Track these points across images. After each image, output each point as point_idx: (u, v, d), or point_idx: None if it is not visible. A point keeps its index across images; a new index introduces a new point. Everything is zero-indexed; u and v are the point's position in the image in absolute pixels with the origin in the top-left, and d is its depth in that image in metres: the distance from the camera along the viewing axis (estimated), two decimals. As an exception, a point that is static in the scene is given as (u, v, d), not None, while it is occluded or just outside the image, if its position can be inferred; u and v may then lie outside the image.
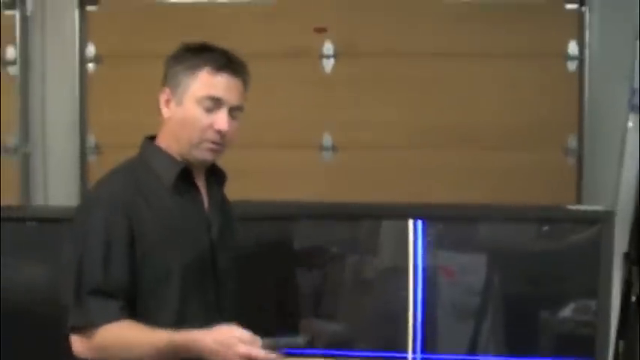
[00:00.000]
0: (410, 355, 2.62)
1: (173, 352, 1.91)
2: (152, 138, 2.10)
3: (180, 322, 1.95)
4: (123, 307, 1.93)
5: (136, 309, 1.97)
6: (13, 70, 3.52)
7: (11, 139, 3.52)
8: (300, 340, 1.94)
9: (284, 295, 2.78)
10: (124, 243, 1.94)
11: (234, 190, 2.90)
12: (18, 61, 3.51)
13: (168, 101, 2.03)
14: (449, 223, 2.74)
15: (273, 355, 1.87)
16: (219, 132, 1.99)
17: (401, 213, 2.68)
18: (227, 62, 2.01)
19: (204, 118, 1.98)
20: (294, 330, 2.41)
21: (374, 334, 2.72)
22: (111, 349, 1.92)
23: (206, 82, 1.99)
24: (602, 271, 2.54)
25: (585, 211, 2.83)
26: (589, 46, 3.37)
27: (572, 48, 3.39)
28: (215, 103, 1.99)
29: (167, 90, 2.03)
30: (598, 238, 2.60)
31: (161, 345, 1.89)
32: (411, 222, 2.64)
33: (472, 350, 2.69)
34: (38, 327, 2.69)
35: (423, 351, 2.62)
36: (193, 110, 1.98)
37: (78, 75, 3.50)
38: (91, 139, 3.50)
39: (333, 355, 2.72)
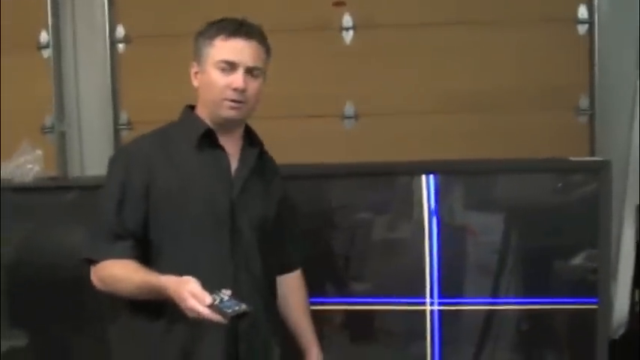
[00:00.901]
0: (428, 300, 2.77)
1: (151, 292, 2.07)
2: (193, 107, 2.32)
3: (190, 272, 2.03)
4: (130, 247, 2.17)
5: (148, 253, 2.19)
6: (47, 54, 3.63)
7: (48, 119, 3.66)
8: (230, 311, 1.93)
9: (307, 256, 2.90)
10: (138, 191, 2.17)
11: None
12: (51, 44, 3.62)
13: (196, 73, 2.26)
14: (457, 176, 2.88)
15: (216, 316, 1.93)
16: (236, 90, 2.17)
17: (415, 169, 2.83)
18: (238, 27, 2.20)
19: (222, 79, 2.18)
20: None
21: (394, 284, 2.85)
22: (107, 281, 2.16)
23: (220, 48, 2.20)
24: (600, 218, 2.65)
25: (584, 162, 2.92)
26: (598, 9, 3.44)
27: (582, 12, 3.46)
28: (230, 65, 2.19)
29: (194, 63, 2.26)
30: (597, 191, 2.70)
31: (140, 284, 2.09)
32: (424, 177, 2.78)
33: (487, 294, 2.83)
34: (77, 292, 2.78)
35: (440, 296, 2.76)
36: (212, 74, 2.19)
37: (109, 56, 3.61)
38: (124, 116, 3.62)
39: (354, 303, 2.87)
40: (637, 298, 3.29)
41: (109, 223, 2.17)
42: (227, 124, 2.24)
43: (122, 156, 2.28)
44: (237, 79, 2.17)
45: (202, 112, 2.26)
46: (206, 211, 2.19)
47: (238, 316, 1.95)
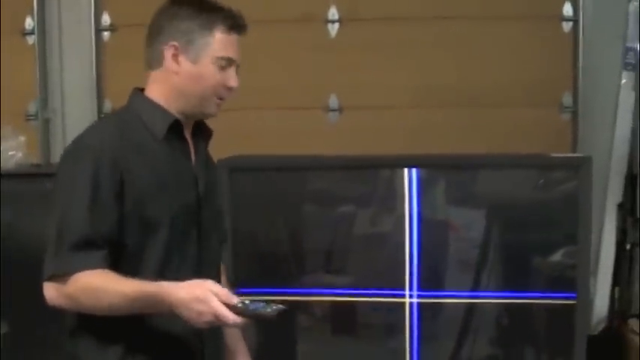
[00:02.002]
0: (407, 293, 2.77)
1: (143, 303, 1.83)
2: (141, 90, 2.06)
3: (162, 274, 1.91)
4: (105, 255, 1.86)
5: (120, 260, 1.91)
6: (32, 40, 3.60)
7: (32, 106, 3.62)
8: (270, 310, 1.77)
9: (288, 247, 2.91)
10: (111, 193, 1.89)
11: (243, 150, 3.04)
12: (36, 30, 3.59)
13: (176, 56, 1.98)
14: (439, 171, 2.87)
15: (239, 320, 1.78)
16: (230, 89, 2.02)
17: (397, 162, 2.81)
18: (237, 21, 2.03)
19: (218, 76, 1.99)
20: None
21: (375, 277, 2.85)
22: (81, 297, 1.84)
23: (223, 43, 2.00)
24: (580, 214, 2.65)
25: (565, 158, 2.92)
26: (583, 7, 3.44)
27: (567, 9, 3.46)
28: (228, 62, 2.01)
29: (175, 44, 1.98)
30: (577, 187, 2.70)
31: (131, 294, 1.82)
32: (406, 170, 2.77)
33: (467, 289, 2.83)
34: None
35: (419, 289, 2.76)
36: (210, 68, 1.99)
37: (94, 43, 3.59)
38: (108, 105, 3.59)
39: (335, 294, 2.87)
40: (617, 295, 3.32)
41: (79, 229, 1.85)
42: (196, 118, 2.08)
43: (85, 152, 1.92)
44: (233, 77, 2.01)
45: (167, 100, 2.01)
46: (180, 210, 2.01)
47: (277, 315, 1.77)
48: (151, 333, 1.94)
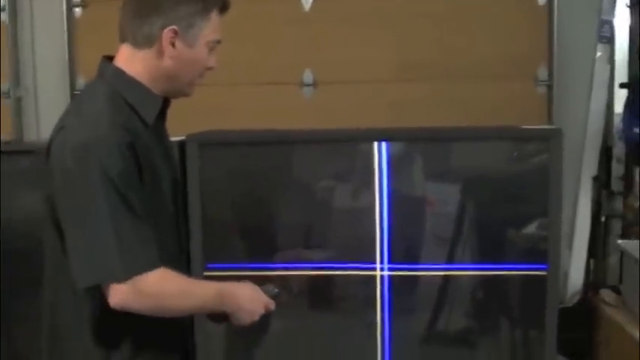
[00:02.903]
0: (378, 266, 2.76)
1: (219, 303, 1.93)
2: (109, 58, 1.96)
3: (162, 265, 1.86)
4: (158, 250, 1.82)
5: None
6: (3, 17, 3.56)
7: (4, 84, 3.57)
8: (277, 291, 2.12)
9: (259, 222, 2.88)
10: (137, 183, 1.81)
11: (216, 126, 3.01)
12: (7, 7, 3.54)
13: (173, 40, 1.88)
14: (411, 144, 2.79)
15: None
16: (209, 69, 1.98)
17: (367, 136, 2.77)
18: (228, 2, 1.96)
19: (207, 60, 1.95)
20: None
21: (348, 251, 2.82)
22: (167, 299, 1.82)
23: (215, 25, 1.93)
24: (551, 186, 2.63)
25: (536, 130, 2.89)
26: (558, -20, 3.43)
27: (542, -17, 3.45)
28: (217, 44, 1.96)
29: (175, 29, 1.88)
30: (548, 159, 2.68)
31: (212, 294, 1.92)
32: (376, 144, 2.73)
33: (439, 261, 2.82)
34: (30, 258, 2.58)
35: (390, 262, 2.76)
36: (204, 52, 1.93)
37: (65, 20, 3.54)
38: (80, 81, 3.54)
39: (306, 268, 2.86)
40: (592, 268, 3.32)
41: (131, 224, 1.77)
42: (174, 97, 2.01)
43: (102, 150, 1.76)
44: (214, 59, 1.97)
45: (151, 81, 1.92)
46: (167, 196, 1.98)
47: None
48: (152, 335, 1.93)
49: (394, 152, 2.74)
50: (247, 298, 1.98)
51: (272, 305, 2.04)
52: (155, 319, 1.85)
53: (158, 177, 1.92)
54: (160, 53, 1.88)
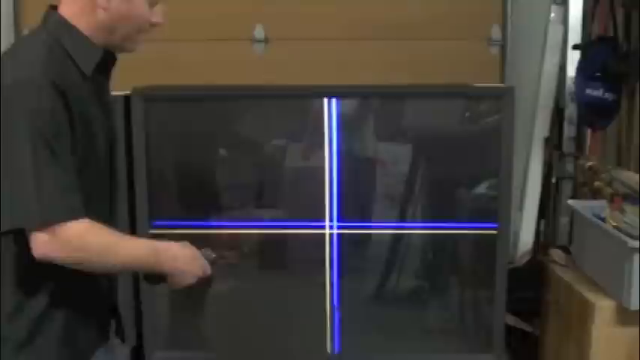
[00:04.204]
0: (327, 224, 2.68)
1: (154, 260, 1.82)
2: (54, 7, 1.85)
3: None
4: (82, 201, 1.73)
5: None
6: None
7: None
8: (211, 255, 2.00)
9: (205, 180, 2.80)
10: (65, 131, 1.71)
11: (166, 83, 2.91)
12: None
13: None
14: (362, 101, 2.74)
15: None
16: (154, 25, 1.89)
17: (317, 92, 2.66)
18: None
19: (148, 15, 1.86)
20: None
21: (297, 210, 2.75)
22: (92, 253, 1.73)
23: None
24: (503, 143, 2.57)
25: (488, 87, 2.83)
26: (512, -60, 3.35)
27: (496, -58, 3.36)
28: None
29: None
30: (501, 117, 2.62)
31: (144, 250, 1.82)
32: (325, 101, 2.64)
33: (390, 220, 2.76)
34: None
35: (339, 220, 2.68)
36: (141, 7, 1.84)
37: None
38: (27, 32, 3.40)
39: (255, 227, 2.77)
40: (542, 228, 3.29)
41: (54, 171, 1.67)
42: (116, 52, 1.90)
43: (33, 90, 1.67)
44: (159, 14, 1.88)
45: (92, 33, 1.82)
46: (102, 151, 1.88)
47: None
48: (71, 288, 1.83)
49: (345, 110, 2.66)
50: (187, 259, 1.88)
51: (209, 270, 1.94)
52: (78, 276, 1.75)
53: (91, 131, 1.81)
54: (93, 5, 1.81)
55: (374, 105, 2.80)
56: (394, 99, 2.73)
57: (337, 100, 2.59)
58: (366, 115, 2.80)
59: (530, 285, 2.92)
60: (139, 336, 2.71)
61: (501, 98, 2.55)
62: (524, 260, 3.13)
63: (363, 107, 2.77)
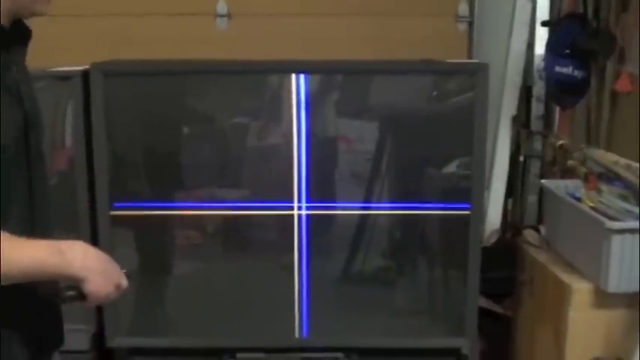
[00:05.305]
0: (295, 205, 2.54)
1: (59, 260, 1.47)
2: None
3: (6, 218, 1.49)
4: None
5: None
6: None
7: None
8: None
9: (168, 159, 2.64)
10: None
11: (127, 57, 2.75)
12: None
13: None
14: (330, 77, 2.61)
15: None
16: None
17: (285, 68, 2.51)
18: None
19: None
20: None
21: (264, 190, 2.61)
22: None
23: None
24: (476, 122, 2.45)
25: (461, 64, 2.73)
26: None
27: None
28: None
29: None
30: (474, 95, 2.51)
31: (44, 250, 1.47)
32: (294, 76, 2.49)
33: (359, 200, 2.63)
34: None
35: (308, 200, 2.54)
36: None
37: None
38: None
39: (220, 208, 2.62)
40: (509, 207, 3.20)
41: None
42: (24, 18, 1.61)
43: None
44: None
45: None
46: (13, 136, 1.55)
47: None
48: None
49: (312, 87, 2.51)
50: (98, 259, 1.54)
51: (125, 281, 1.59)
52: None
53: None
54: None
55: (339, 81, 2.66)
56: (363, 75, 2.59)
57: (306, 75, 2.45)
58: (334, 90, 2.66)
59: (499, 265, 2.83)
60: (100, 322, 2.55)
61: (475, 75, 2.43)
62: (493, 240, 3.02)
63: (330, 83, 2.62)
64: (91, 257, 1.52)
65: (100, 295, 1.52)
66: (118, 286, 1.55)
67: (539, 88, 3.13)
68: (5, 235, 1.43)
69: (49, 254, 1.48)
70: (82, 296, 1.52)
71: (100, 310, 2.52)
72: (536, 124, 3.17)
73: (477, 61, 2.82)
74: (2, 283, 1.44)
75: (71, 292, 1.52)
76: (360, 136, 2.65)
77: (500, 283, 2.82)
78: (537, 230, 2.81)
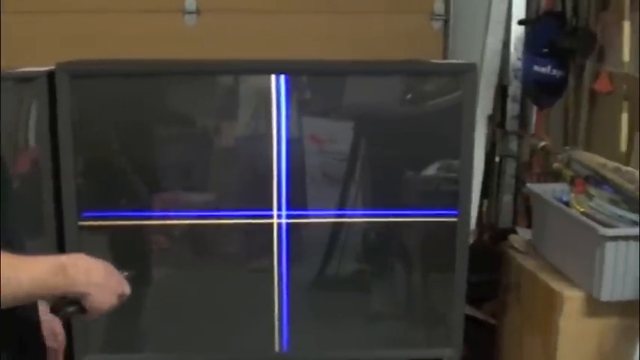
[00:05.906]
0: (275, 213, 2.42)
1: (63, 277, 1.35)
2: None
3: None
4: None
5: None
6: None
7: None
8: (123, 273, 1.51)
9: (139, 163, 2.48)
10: None
11: (93, 57, 2.59)
12: None
13: None
14: (312, 78, 2.46)
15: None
16: None
17: (264, 69, 2.37)
18: None
19: None
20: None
21: (241, 197, 2.47)
22: None
23: None
24: (464, 125, 2.35)
25: (448, 64, 2.63)
26: None
27: None
28: None
29: None
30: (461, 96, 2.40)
31: (45, 265, 1.35)
32: (273, 77, 2.36)
33: (339, 207, 2.48)
34: None
35: (288, 208, 2.41)
36: None
37: None
38: None
39: (201, 217, 2.47)
40: (484, 208, 3.12)
41: None
42: None
43: None
44: None
45: None
46: None
47: None
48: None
49: (293, 86, 2.37)
50: (102, 272, 1.44)
51: (127, 287, 1.51)
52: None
53: None
54: None
55: (319, 82, 2.52)
56: (346, 76, 2.45)
57: (287, 76, 2.31)
58: (314, 91, 2.52)
59: (478, 268, 2.73)
60: (69, 339, 2.39)
61: (462, 75, 2.32)
62: (470, 242, 2.94)
63: (312, 83, 2.48)
64: (94, 273, 1.41)
65: (102, 309, 1.44)
66: (120, 296, 1.46)
67: (514, 88, 3.05)
68: (4, 254, 1.30)
69: (51, 274, 1.35)
70: (82, 310, 1.43)
71: (68, 326, 2.36)
72: (511, 124, 3.09)
73: (463, 61, 2.71)
74: (3, 307, 1.31)
75: (71, 309, 1.42)
76: (340, 138, 2.51)
77: (479, 286, 2.73)
78: (513, 231, 2.73)
